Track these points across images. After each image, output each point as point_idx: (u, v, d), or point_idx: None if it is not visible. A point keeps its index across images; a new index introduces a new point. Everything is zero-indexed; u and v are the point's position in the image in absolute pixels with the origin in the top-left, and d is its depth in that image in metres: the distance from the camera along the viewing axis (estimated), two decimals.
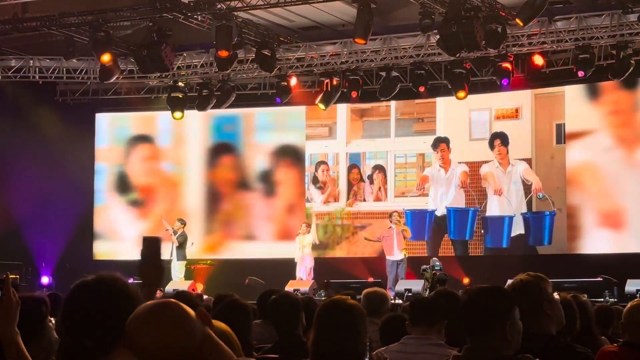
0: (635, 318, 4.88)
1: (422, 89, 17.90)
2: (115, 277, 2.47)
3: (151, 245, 3.32)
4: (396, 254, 17.38)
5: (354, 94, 18.38)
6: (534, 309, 3.80)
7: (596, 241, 17.49)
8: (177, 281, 17.39)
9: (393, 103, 19.32)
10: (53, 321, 4.10)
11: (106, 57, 17.02)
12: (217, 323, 3.59)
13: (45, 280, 18.12)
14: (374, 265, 18.39)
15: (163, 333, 2.24)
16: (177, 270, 18.20)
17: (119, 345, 2.40)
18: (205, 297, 11.25)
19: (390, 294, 15.56)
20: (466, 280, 17.08)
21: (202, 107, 19.34)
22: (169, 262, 18.05)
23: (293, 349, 5.09)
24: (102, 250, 20.59)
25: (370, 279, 17.10)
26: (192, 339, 2.27)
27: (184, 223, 18.63)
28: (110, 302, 2.41)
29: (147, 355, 2.26)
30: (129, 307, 2.43)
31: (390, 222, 17.62)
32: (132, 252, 20.35)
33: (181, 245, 18.27)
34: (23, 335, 3.15)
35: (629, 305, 5.01)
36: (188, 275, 18.34)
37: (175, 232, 18.28)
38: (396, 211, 17.88)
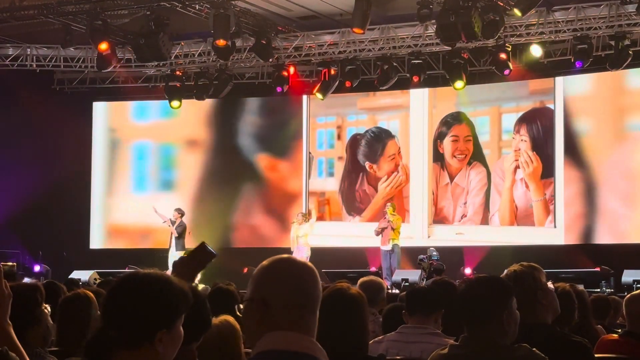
0: (636, 308, 4.90)
1: (416, 79, 17.88)
2: (159, 277, 2.46)
3: (202, 254, 3.31)
4: (386, 244, 17.37)
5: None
6: (528, 298, 3.80)
7: (593, 231, 17.50)
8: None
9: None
10: (49, 308, 4.12)
11: (104, 46, 16.99)
12: (227, 317, 3.63)
13: (37, 268, 18.07)
14: (370, 255, 18.39)
15: (290, 282, 2.44)
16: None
17: (143, 345, 2.39)
18: (202, 286, 11.23)
19: (387, 283, 15.59)
20: (468, 271, 17.05)
21: (200, 96, 19.32)
22: (166, 251, 18.06)
23: None
24: (99, 239, 20.57)
25: (373, 269, 17.09)
26: (316, 292, 2.47)
27: (181, 213, 18.46)
28: (144, 301, 2.40)
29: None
30: (159, 311, 2.42)
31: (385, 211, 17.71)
32: (128, 241, 20.41)
33: (180, 235, 18.11)
34: (19, 322, 3.14)
35: (629, 295, 5.03)
36: None
37: (173, 223, 18.22)
38: (388, 201, 17.94)
